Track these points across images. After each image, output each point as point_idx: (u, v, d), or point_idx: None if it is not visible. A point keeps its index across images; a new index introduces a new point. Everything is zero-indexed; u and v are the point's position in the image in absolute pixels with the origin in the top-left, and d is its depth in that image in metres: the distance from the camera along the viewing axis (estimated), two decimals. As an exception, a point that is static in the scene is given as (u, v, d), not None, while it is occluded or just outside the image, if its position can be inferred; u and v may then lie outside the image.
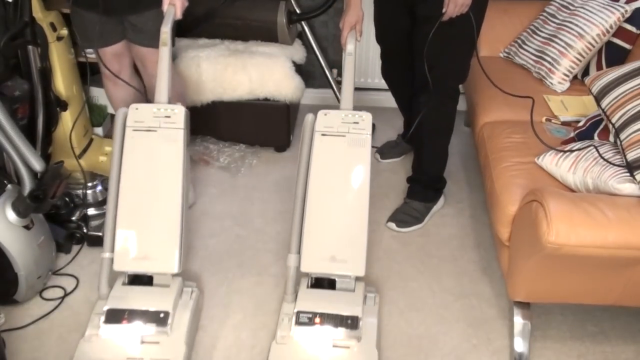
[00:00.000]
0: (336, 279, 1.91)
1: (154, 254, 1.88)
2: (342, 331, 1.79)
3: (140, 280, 1.92)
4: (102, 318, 1.80)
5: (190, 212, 2.47)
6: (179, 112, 1.91)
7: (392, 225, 2.40)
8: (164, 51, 1.94)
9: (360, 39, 2.06)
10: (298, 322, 1.81)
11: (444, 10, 1.98)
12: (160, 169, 1.89)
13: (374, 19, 2.36)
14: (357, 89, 3.13)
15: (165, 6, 1.98)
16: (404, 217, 2.41)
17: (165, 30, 1.94)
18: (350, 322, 1.80)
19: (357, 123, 1.92)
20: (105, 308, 1.82)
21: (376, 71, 3.08)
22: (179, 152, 1.89)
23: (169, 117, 1.90)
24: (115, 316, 1.81)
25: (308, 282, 1.93)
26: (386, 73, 2.53)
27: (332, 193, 1.91)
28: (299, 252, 1.90)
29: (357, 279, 1.92)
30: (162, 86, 1.94)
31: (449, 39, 2.06)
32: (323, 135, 1.92)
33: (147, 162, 1.90)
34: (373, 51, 3.03)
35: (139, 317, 1.80)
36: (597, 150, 1.82)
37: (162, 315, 1.81)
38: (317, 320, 1.81)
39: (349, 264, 1.88)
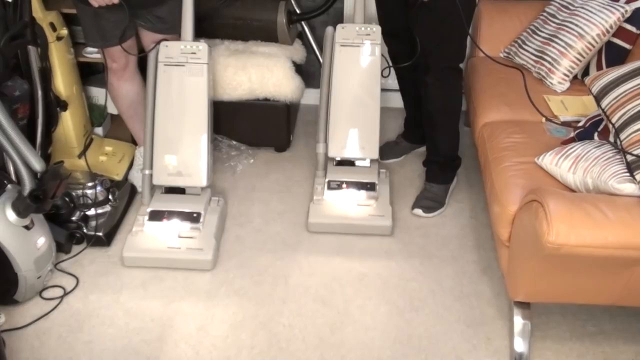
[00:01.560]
0: (356, 162, 2.49)
1: (186, 170, 2.25)
2: (363, 193, 2.39)
3: (175, 193, 2.31)
4: (146, 217, 2.21)
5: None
6: (203, 49, 2.19)
7: (419, 211, 2.46)
8: None
9: None
10: (329, 188, 2.39)
11: None
12: (188, 98, 2.21)
13: (375, 3, 2.42)
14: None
15: None
16: (429, 202, 2.47)
17: None
18: (369, 187, 2.40)
19: (369, 34, 2.36)
20: (149, 210, 2.23)
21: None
22: (204, 84, 2.20)
23: (194, 53, 2.18)
24: (157, 215, 2.22)
25: (334, 161, 2.50)
26: (393, 55, 2.54)
27: (351, 92, 2.40)
28: (325, 141, 2.44)
29: (372, 160, 2.48)
30: (188, 24, 2.16)
31: (437, 19, 2.14)
32: (342, 45, 2.38)
33: (178, 93, 2.22)
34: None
35: (177, 216, 2.21)
36: (598, 150, 1.82)
37: (195, 214, 2.21)
38: (344, 185, 2.39)
39: (365, 149, 2.45)
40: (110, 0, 1.99)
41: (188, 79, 2.21)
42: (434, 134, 2.48)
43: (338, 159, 2.49)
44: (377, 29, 2.34)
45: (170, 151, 2.24)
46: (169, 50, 2.19)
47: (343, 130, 2.43)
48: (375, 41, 2.36)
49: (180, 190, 2.30)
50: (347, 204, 2.37)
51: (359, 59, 2.38)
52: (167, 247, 2.16)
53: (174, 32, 2.24)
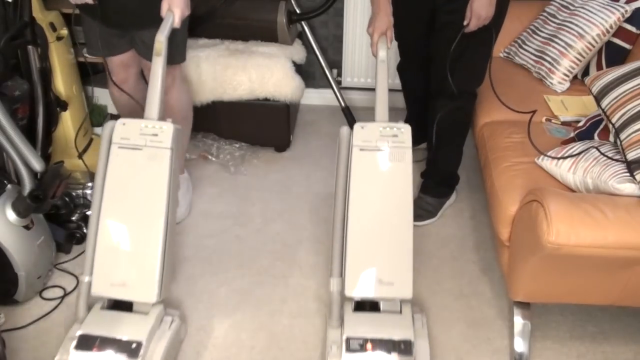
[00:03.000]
0: (381, 302, 1.82)
1: (133, 280, 1.75)
2: (395, 356, 1.69)
3: (121, 305, 1.81)
4: (74, 343, 1.70)
5: (191, 212, 2.47)
6: (167, 130, 1.77)
7: None
8: (157, 62, 1.81)
9: (390, 46, 1.96)
10: (349, 349, 1.70)
11: (465, 23, 1.99)
12: (144, 190, 1.77)
13: (393, 16, 2.35)
14: (356, 89, 3.17)
15: (164, 12, 1.86)
16: (419, 211, 2.43)
17: (161, 40, 1.80)
18: (404, 347, 1.70)
19: (397, 136, 1.81)
20: (78, 333, 1.72)
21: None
22: (164, 173, 1.76)
23: (156, 135, 1.78)
24: (87, 343, 1.70)
25: (352, 305, 1.82)
26: (402, 67, 2.53)
27: (374, 211, 1.80)
28: (341, 275, 1.79)
29: (403, 300, 1.81)
30: (154, 101, 1.82)
31: (469, 46, 2.06)
32: (362, 150, 1.81)
33: (131, 182, 1.78)
34: (367, 50, 3.02)
35: (111, 346, 1.69)
36: (599, 150, 1.82)
37: (134, 345, 1.69)
38: (369, 346, 1.70)
39: (396, 287, 1.77)
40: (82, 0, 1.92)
41: (145, 165, 1.77)
42: (437, 152, 2.42)
43: (357, 299, 1.83)
44: (406, 129, 1.82)
45: (116, 254, 1.76)
46: (125, 129, 1.79)
47: (364, 260, 1.79)
48: (404, 144, 1.81)
49: (127, 305, 1.80)
50: None
51: (383, 167, 1.81)
52: None
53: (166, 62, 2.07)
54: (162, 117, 1.84)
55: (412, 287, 1.76)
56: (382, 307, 1.82)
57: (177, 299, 2.09)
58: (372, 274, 1.78)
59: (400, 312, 1.80)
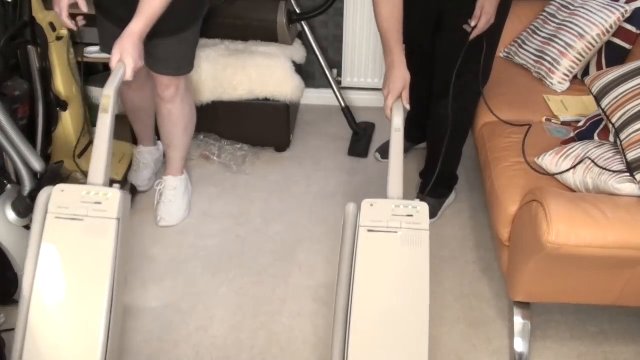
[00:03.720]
0: None
1: None
2: None
3: None
4: None
5: (191, 212, 2.47)
6: (113, 198, 1.54)
7: None
8: (104, 119, 1.58)
9: (408, 108, 1.78)
10: None
11: (473, 24, 1.98)
12: (83, 269, 1.52)
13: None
14: (356, 89, 3.17)
15: (114, 63, 1.70)
16: None
17: (108, 94, 1.59)
18: None
19: (412, 216, 1.59)
20: None
21: (375, 71, 3.08)
22: (108, 248, 1.51)
23: (99, 203, 1.54)
24: None
25: None
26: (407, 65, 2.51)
27: (383, 304, 1.55)
28: None
29: None
30: (98, 164, 1.59)
31: (475, 46, 2.05)
32: (370, 231, 1.58)
33: (69, 260, 1.53)
34: (367, 50, 3.03)
35: None
36: (594, 162, 1.81)
37: None
38: None
39: None
40: (63, 21, 1.89)
41: (86, 240, 1.53)
42: (437, 153, 2.39)
43: None
44: (422, 208, 1.59)
45: (48, 346, 1.49)
46: (63, 197, 1.54)
47: (369, 358, 1.53)
48: (421, 225, 1.58)
49: None
50: None
51: (395, 252, 1.57)
52: None
53: (162, 72, 2.01)
54: (106, 183, 1.62)
55: None
56: None
57: (177, 299, 2.09)
58: None
59: None
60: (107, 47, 2.13)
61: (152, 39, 1.99)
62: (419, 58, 2.36)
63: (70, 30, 2.30)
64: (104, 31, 2.12)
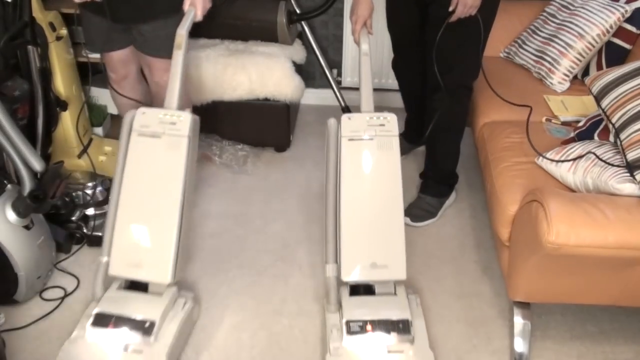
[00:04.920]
0: (375, 285, 1.88)
1: (148, 261, 1.82)
2: (395, 336, 1.76)
3: (137, 286, 1.88)
4: (90, 320, 1.78)
5: (191, 212, 2.47)
6: (185, 119, 1.85)
7: (407, 220, 2.42)
8: (178, 55, 1.88)
9: (372, 33, 2.03)
10: (350, 332, 1.76)
11: (450, 9, 1.99)
12: (161, 176, 1.85)
13: (385, 10, 2.35)
14: (356, 89, 3.15)
15: (186, 7, 1.91)
16: (419, 211, 2.43)
17: (182, 33, 1.86)
18: (402, 326, 1.77)
19: (384, 125, 1.89)
20: (95, 311, 1.80)
21: (374, 71, 3.08)
22: (181, 160, 1.83)
23: (174, 123, 1.85)
24: (102, 320, 1.78)
25: (348, 290, 1.88)
26: (395, 64, 2.53)
27: (365, 198, 1.87)
28: (336, 261, 1.86)
29: (396, 282, 1.88)
30: (174, 92, 1.89)
31: (459, 39, 2.07)
32: (350, 140, 1.88)
33: (149, 169, 1.86)
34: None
35: (125, 324, 1.77)
36: (596, 155, 1.81)
37: (147, 324, 1.77)
38: (369, 327, 1.77)
39: (390, 269, 1.84)
40: None
41: (163, 153, 1.85)
42: (434, 150, 2.44)
43: (353, 283, 1.89)
44: (392, 118, 1.91)
45: (133, 236, 1.83)
46: (145, 117, 1.86)
47: (358, 246, 1.86)
48: (391, 132, 1.90)
49: (143, 286, 1.88)
50: (375, 354, 1.75)
51: (372, 155, 1.88)
52: None
53: (159, 55, 2.07)
54: (181, 107, 1.90)
55: (405, 269, 1.83)
56: (376, 290, 1.88)
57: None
58: (366, 259, 1.84)
59: (395, 293, 1.87)
60: (94, 45, 2.14)
61: (146, 22, 2.02)
62: (410, 54, 2.36)
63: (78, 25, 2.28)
64: (89, 28, 2.12)
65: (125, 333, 1.76)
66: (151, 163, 1.85)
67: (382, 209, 1.86)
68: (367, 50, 1.97)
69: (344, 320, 1.79)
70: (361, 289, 1.89)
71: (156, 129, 1.85)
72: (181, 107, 1.90)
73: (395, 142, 1.88)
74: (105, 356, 1.74)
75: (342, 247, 1.85)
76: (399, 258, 1.84)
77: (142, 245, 1.83)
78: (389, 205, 1.86)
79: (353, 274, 1.84)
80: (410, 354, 1.75)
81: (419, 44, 2.25)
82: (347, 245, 1.85)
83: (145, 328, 1.76)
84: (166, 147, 1.85)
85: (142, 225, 1.84)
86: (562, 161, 1.88)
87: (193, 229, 2.39)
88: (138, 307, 1.81)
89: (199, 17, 1.92)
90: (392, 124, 1.90)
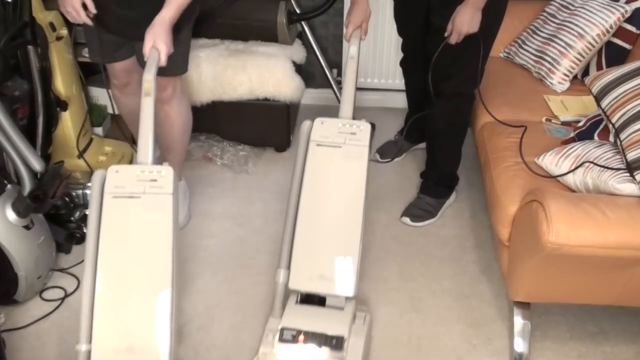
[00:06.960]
0: (327, 297, 1.84)
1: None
2: (325, 351, 1.72)
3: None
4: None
5: (191, 212, 2.47)
6: (167, 174, 1.63)
7: (407, 220, 2.42)
8: (147, 102, 1.68)
9: (364, 38, 2.04)
10: (281, 339, 1.74)
11: (445, 35, 2.00)
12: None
13: (393, 13, 2.37)
14: (356, 89, 3.15)
15: (147, 49, 1.76)
16: (418, 211, 2.44)
17: (149, 79, 1.68)
18: (335, 343, 1.73)
19: (355, 134, 1.82)
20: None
21: (375, 71, 3.08)
22: (167, 221, 1.61)
23: (155, 180, 1.63)
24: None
25: (297, 298, 1.85)
26: (403, 63, 2.53)
27: (324, 207, 1.81)
28: (288, 267, 1.83)
29: (347, 297, 1.82)
30: (146, 144, 1.67)
31: (458, 52, 2.06)
32: (318, 145, 1.83)
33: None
34: (367, 50, 3.03)
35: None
36: (593, 162, 1.80)
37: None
38: (301, 338, 1.74)
39: (337, 284, 1.78)
40: (81, 19, 1.90)
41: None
42: (435, 153, 2.43)
43: (302, 292, 1.85)
44: (365, 127, 1.82)
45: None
46: (119, 177, 1.64)
47: (310, 254, 1.81)
48: (361, 142, 1.81)
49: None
50: None
51: (339, 163, 1.81)
52: None
53: (168, 73, 1.99)
54: (157, 161, 1.73)
55: (354, 286, 1.78)
56: (327, 302, 1.84)
57: (177, 299, 2.09)
58: (315, 269, 1.80)
59: (344, 309, 1.82)
60: (96, 55, 2.11)
61: (139, 38, 1.99)
62: (417, 56, 2.36)
63: (77, 25, 2.27)
64: (91, 39, 2.10)
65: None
66: (131, 228, 1.62)
67: (340, 221, 1.80)
68: (355, 54, 1.93)
69: (279, 327, 1.77)
70: (315, 299, 1.85)
71: (134, 188, 1.62)
72: (175, 154, 1.77)
73: (365, 153, 1.80)
74: None
75: (293, 254, 1.81)
76: (349, 274, 1.78)
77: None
78: (347, 217, 1.79)
79: (299, 283, 1.81)
80: None
81: (422, 51, 2.25)
82: (298, 253, 1.81)
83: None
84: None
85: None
86: (566, 153, 1.88)
87: (193, 229, 2.39)
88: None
89: (163, 61, 1.77)
90: (364, 133, 1.82)
